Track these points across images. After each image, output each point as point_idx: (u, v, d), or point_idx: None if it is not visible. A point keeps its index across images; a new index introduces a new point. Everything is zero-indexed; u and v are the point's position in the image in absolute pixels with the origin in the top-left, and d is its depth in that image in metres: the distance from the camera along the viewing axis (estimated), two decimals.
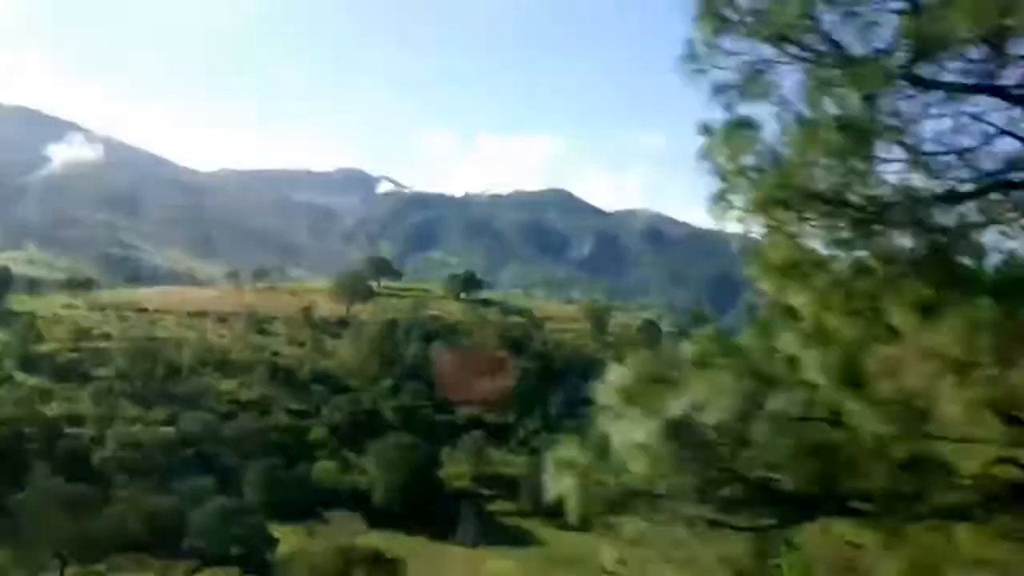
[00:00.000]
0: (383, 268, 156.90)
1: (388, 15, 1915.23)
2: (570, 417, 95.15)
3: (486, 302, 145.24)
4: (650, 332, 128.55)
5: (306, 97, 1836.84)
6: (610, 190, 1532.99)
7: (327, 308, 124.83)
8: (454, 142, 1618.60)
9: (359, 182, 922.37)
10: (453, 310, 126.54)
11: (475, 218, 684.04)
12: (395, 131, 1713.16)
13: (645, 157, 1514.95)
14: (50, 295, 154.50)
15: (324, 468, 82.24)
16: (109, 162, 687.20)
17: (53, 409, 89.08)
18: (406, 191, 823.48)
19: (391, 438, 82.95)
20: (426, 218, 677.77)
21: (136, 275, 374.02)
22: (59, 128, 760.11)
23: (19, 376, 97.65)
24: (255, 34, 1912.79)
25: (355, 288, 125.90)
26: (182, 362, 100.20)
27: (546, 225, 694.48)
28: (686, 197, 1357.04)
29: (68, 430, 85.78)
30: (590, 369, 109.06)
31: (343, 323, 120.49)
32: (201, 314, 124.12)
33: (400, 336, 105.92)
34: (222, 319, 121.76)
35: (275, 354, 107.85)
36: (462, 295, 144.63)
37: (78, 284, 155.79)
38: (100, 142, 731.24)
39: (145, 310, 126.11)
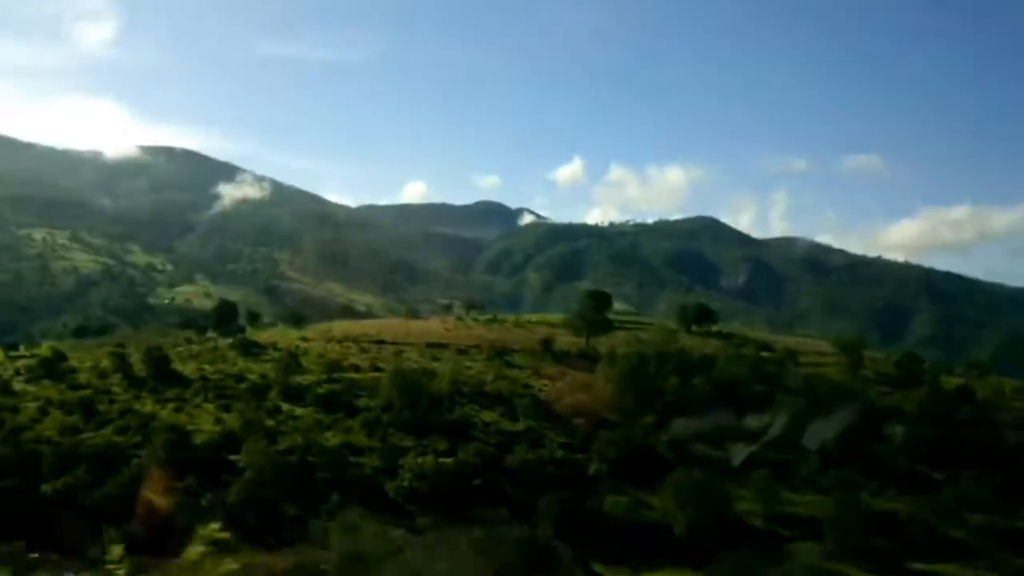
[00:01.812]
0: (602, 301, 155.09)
1: (511, 53, 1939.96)
2: (847, 455, 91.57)
3: (719, 334, 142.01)
4: (910, 368, 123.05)
5: (439, 134, 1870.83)
6: (757, 217, 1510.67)
7: (564, 340, 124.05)
8: (589, 174, 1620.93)
9: (498, 214, 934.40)
10: (693, 343, 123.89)
11: (621, 248, 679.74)
12: (530, 164, 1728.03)
13: (787, 182, 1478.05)
14: (269, 328, 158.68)
15: (616, 502, 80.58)
16: (269, 200, 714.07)
17: (329, 439, 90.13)
18: (548, 222, 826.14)
19: (680, 474, 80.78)
20: (571, 249, 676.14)
21: (306, 308, 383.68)
22: (222, 170, 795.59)
23: (285, 406, 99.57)
24: (386, 73, 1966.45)
25: (594, 320, 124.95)
26: (442, 393, 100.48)
27: (696, 253, 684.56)
28: (833, 223, 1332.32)
29: (351, 459, 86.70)
30: (855, 404, 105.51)
31: (584, 355, 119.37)
32: (440, 346, 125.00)
33: (652, 369, 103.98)
34: (462, 350, 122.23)
35: (526, 386, 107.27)
36: (693, 327, 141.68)
37: (289, 318, 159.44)
38: (264, 182, 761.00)
39: (383, 342, 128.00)
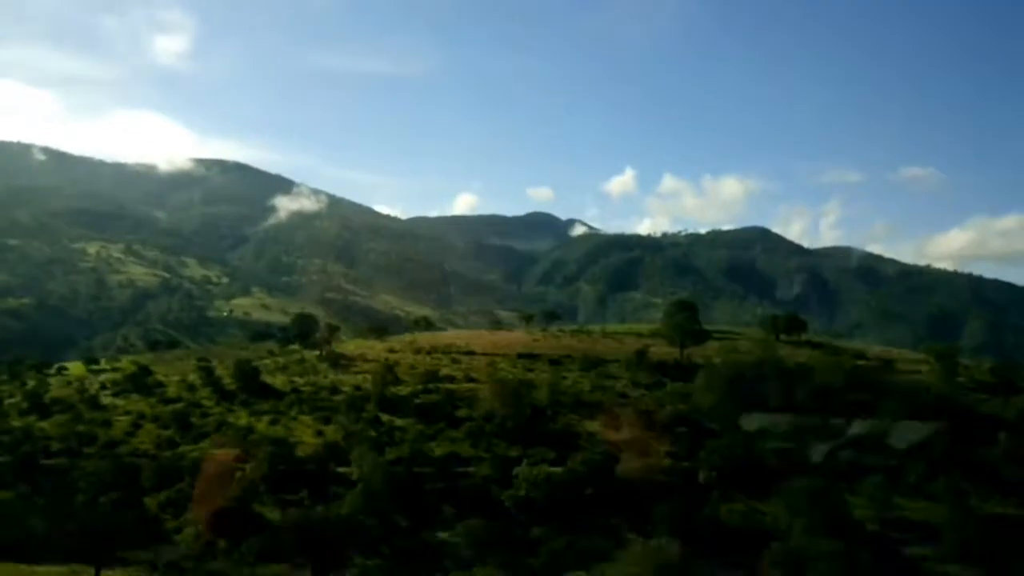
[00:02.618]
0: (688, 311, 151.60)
1: (564, 65, 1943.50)
2: (953, 461, 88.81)
3: (811, 343, 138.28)
4: (1005, 374, 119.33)
5: (491, 145, 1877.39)
6: (807, 226, 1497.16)
7: (657, 351, 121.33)
8: (640, 185, 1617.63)
9: (549, 225, 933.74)
10: (785, 352, 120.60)
11: (674, 258, 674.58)
12: (581, 175, 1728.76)
13: (840, 193, 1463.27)
14: (348, 341, 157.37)
15: (730, 510, 78.12)
16: (321, 213, 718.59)
17: (433, 450, 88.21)
18: (600, 233, 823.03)
19: (795, 481, 78.10)
20: (624, 259, 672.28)
21: (364, 319, 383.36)
22: (272, 183, 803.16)
23: (384, 417, 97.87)
24: (438, 84, 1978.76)
25: (689, 330, 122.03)
26: (542, 403, 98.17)
27: (749, 263, 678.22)
28: (881, 233, 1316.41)
29: (459, 470, 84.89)
30: (954, 412, 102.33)
31: (679, 366, 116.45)
32: (532, 356, 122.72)
33: (752, 378, 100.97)
34: (554, 361, 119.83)
35: (623, 396, 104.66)
36: (782, 336, 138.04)
37: (370, 330, 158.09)
38: (320, 195, 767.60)
39: (473, 353, 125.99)
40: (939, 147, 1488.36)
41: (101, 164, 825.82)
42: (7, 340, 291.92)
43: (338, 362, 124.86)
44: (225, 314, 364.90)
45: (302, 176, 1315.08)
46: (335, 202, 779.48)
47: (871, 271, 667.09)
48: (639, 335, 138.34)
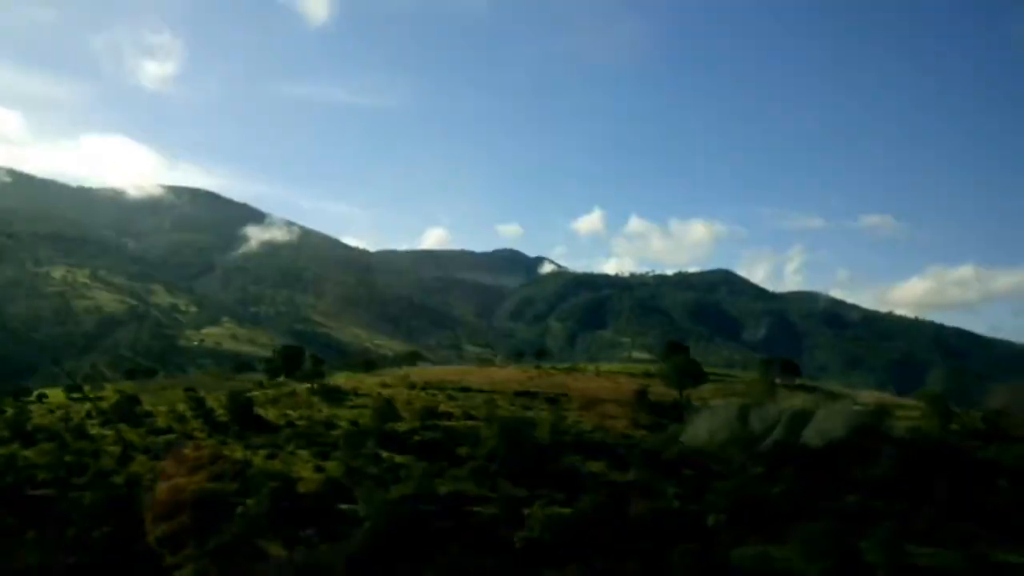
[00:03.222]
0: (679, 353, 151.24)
1: (533, 104, 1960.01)
2: (960, 510, 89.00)
3: (804, 387, 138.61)
4: (997, 422, 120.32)
5: (461, 181, 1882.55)
6: (770, 271, 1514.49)
7: (655, 391, 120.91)
8: (607, 225, 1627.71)
9: (517, 262, 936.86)
10: (781, 396, 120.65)
11: (641, 298, 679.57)
12: (549, 213, 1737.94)
13: (802, 239, 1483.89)
14: (337, 373, 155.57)
15: (743, 554, 77.21)
16: (291, 244, 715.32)
17: (437, 488, 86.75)
18: (568, 271, 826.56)
19: (808, 525, 77.73)
20: (592, 298, 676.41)
21: (333, 353, 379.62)
22: (240, 211, 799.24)
23: (384, 454, 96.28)
24: (409, 119, 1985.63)
25: (688, 371, 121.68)
26: (543, 442, 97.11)
27: (715, 305, 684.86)
28: (843, 279, 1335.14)
29: (465, 508, 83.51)
30: (953, 459, 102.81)
31: (677, 406, 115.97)
32: (529, 394, 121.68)
33: (754, 421, 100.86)
34: (551, 399, 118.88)
35: (626, 436, 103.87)
36: (777, 380, 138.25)
37: (359, 364, 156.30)
38: (292, 226, 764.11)
39: (469, 389, 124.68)
40: (897, 197, 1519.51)
41: (68, 188, 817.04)
42: None
43: (331, 396, 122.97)
44: (196, 343, 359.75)
45: (269, 206, 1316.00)
46: (304, 233, 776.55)
47: (836, 316, 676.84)
48: (631, 375, 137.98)
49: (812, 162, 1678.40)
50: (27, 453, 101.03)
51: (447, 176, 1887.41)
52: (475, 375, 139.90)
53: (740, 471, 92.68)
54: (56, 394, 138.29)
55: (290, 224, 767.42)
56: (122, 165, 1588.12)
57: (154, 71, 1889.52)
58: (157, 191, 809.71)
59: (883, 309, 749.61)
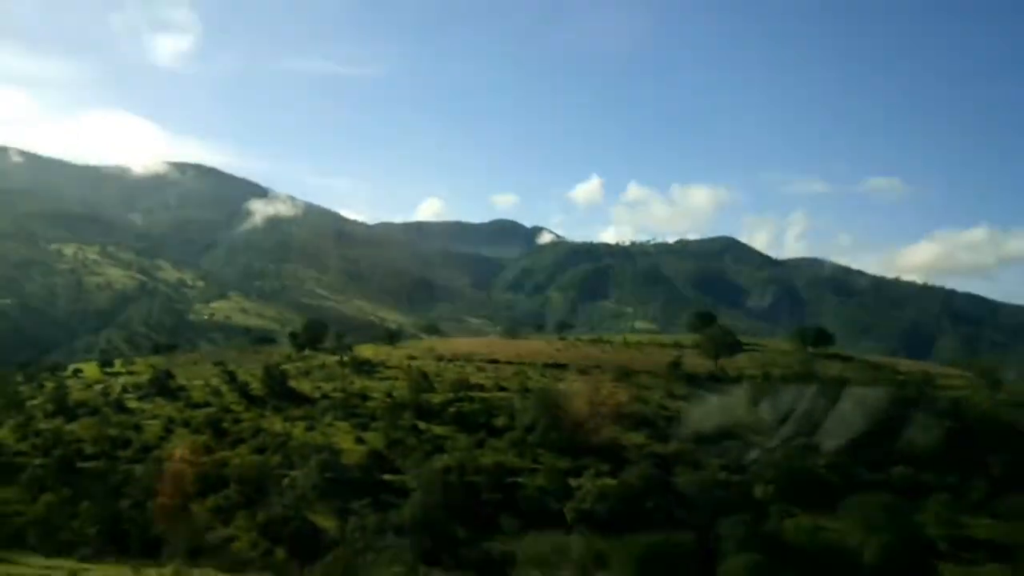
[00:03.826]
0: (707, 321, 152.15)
1: (529, 71, 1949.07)
2: (1015, 482, 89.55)
3: (839, 356, 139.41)
4: None
5: (456, 151, 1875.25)
6: (772, 237, 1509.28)
7: (690, 362, 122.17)
8: (606, 193, 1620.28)
9: (515, 233, 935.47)
10: (818, 366, 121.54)
11: (643, 267, 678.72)
12: (546, 183, 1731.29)
13: (806, 204, 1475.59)
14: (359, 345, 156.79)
15: (797, 526, 78.47)
16: (294, 218, 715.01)
17: (479, 459, 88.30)
18: (567, 241, 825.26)
19: (865, 497, 78.90)
20: (593, 268, 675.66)
21: (340, 326, 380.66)
22: (238, 187, 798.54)
23: (422, 425, 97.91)
24: (402, 88, 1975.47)
25: (724, 341, 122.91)
26: (581, 414, 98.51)
27: (719, 274, 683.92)
28: (848, 244, 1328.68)
29: (509, 480, 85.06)
30: (1005, 430, 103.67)
31: (713, 377, 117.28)
32: (560, 366, 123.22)
33: (793, 392, 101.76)
34: (583, 371, 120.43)
35: (663, 408, 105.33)
36: (809, 349, 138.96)
37: (382, 337, 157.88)
38: (296, 201, 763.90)
39: (497, 361, 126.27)
40: (904, 158, 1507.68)
41: (75, 167, 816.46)
42: None
43: (361, 368, 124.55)
44: (206, 317, 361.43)
45: (268, 181, 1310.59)
46: (306, 207, 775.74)
47: (842, 283, 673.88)
48: (661, 345, 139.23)
49: (815, 125, 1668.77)
50: (71, 427, 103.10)
51: (441, 146, 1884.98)
52: (501, 346, 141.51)
53: (781, 442, 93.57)
54: (91, 368, 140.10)
55: (293, 199, 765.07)
56: (127, 142, 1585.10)
57: (163, 48, 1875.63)
58: (162, 168, 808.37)
59: (890, 275, 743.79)
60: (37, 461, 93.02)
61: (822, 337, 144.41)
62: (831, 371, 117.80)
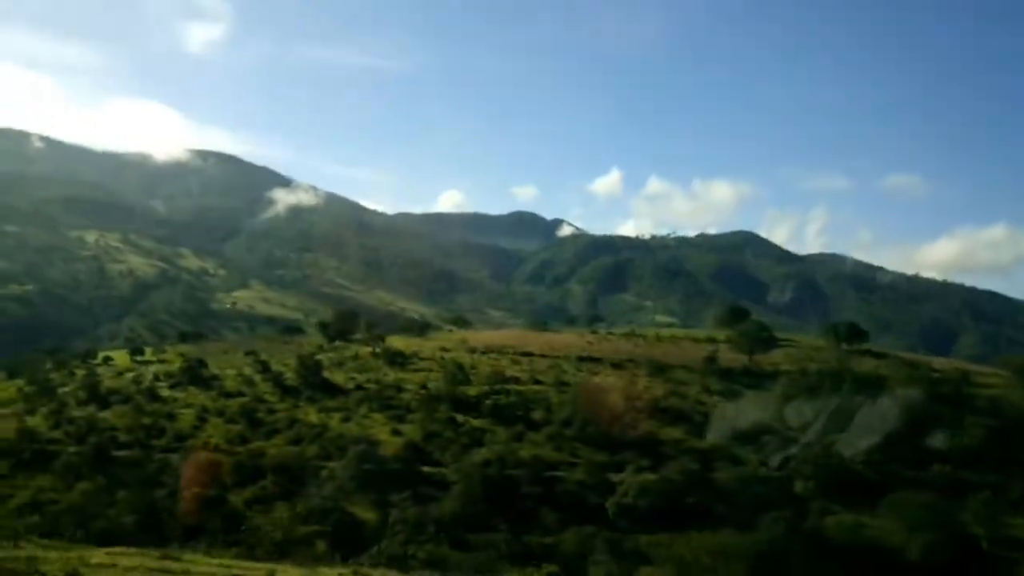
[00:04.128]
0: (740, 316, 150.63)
1: (551, 63, 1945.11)
2: None
3: (872, 353, 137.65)
4: None
5: (477, 143, 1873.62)
6: (792, 232, 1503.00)
7: (724, 357, 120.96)
8: (625, 186, 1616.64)
9: (535, 225, 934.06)
10: (848, 363, 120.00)
11: (663, 261, 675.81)
12: (567, 175, 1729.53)
13: (826, 199, 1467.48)
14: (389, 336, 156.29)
15: (839, 523, 77.46)
16: (314, 208, 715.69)
17: (518, 452, 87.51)
18: (587, 234, 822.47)
19: (908, 495, 77.71)
20: (613, 261, 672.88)
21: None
22: (260, 175, 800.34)
23: (459, 417, 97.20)
24: (425, 81, 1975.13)
25: (758, 337, 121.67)
26: (616, 408, 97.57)
27: (739, 268, 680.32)
28: (867, 240, 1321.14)
29: (549, 474, 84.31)
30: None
31: (748, 372, 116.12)
32: (594, 360, 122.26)
33: (829, 389, 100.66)
34: (616, 365, 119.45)
35: (700, 403, 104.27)
36: (843, 345, 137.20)
37: (410, 327, 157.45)
38: (317, 191, 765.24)
39: (531, 354, 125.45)
40: (925, 156, 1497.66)
41: (96, 153, 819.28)
42: (15, 326, 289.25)
43: (394, 360, 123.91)
44: (228, 306, 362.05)
45: (288, 170, 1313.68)
46: (326, 197, 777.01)
47: (863, 279, 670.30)
48: (695, 340, 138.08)
49: (837, 120, 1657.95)
50: (104, 415, 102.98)
51: (463, 139, 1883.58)
52: (533, 339, 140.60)
53: (819, 439, 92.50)
54: (121, 356, 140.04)
55: (314, 188, 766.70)
56: (150, 130, 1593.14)
57: (191, 36, 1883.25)
58: (183, 155, 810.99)
59: (909, 271, 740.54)
60: (71, 449, 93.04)
61: (855, 333, 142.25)
62: (865, 367, 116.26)
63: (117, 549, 31.87)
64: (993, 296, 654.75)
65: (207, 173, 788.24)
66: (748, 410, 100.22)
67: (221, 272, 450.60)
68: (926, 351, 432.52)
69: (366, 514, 78.37)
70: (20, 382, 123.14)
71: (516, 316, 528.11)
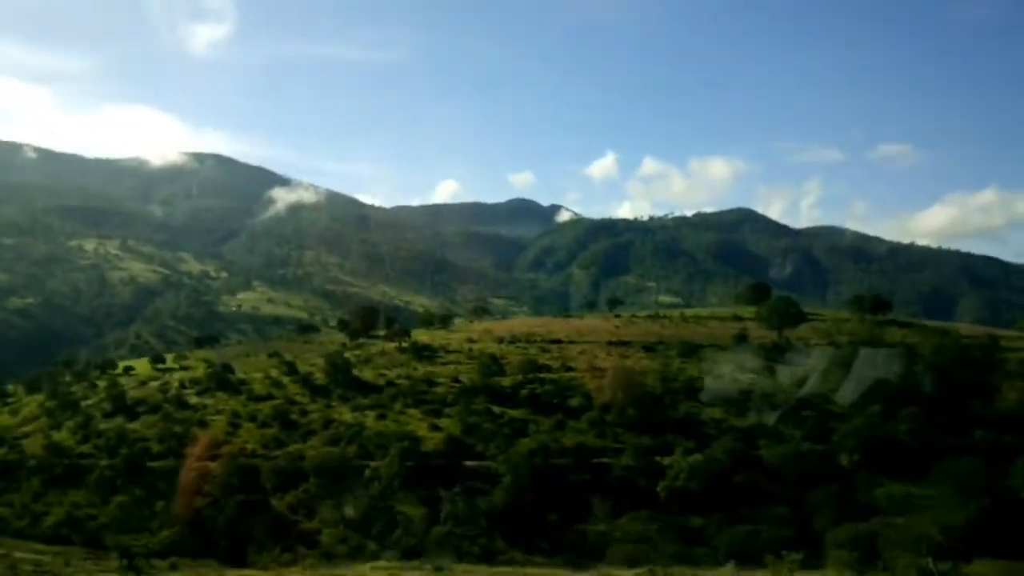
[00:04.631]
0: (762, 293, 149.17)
1: (541, 48, 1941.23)
2: None
3: (897, 322, 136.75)
4: None
5: (470, 131, 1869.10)
6: (787, 206, 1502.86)
7: (753, 333, 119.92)
8: (621, 168, 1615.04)
9: (533, 211, 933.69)
10: (878, 333, 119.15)
11: (663, 241, 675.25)
12: (562, 160, 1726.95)
13: (819, 172, 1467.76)
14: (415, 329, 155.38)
15: (890, 495, 76.52)
16: (314, 204, 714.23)
17: (561, 440, 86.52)
18: (586, 218, 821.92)
19: (955, 463, 76.60)
20: (613, 243, 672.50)
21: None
22: (256, 175, 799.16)
23: (495, 409, 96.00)
24: (415, 71, 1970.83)
25: (786, 312, 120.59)
26: (655, 391, 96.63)
27: (738, 245, 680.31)
28: (860, 211, 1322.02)
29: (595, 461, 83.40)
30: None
31: (778, 347, 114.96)
32: (624, 343, 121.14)
33: (865, 359, 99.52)
34: (648, 347, 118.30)
35: (735, 381, 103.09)
36: (867, 316, 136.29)
37: (430, 319, 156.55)
38: (318, 188, 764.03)
39: (559, 341, 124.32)
40: (915, 124, 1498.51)
41: (91, 160, 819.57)
42: (20, 340, 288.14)
43: (422, 353, 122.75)
44: (234, 309, 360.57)
45: (283, 168, 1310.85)
46: (324, 193, 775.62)
47: (860, 250, 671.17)
48: (720, 319, 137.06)
49: (827, 92, 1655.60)
50: (133, 425, 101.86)
51: (456, 128, 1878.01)
52: (560, 326, 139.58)
53: (860, 410, 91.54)
54: (142, 365, 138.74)
55: (312, 186, 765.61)
56: (145, 135, 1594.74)
57: (182, 39, 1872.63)
58: (179, 158, 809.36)
59: (904, 240, 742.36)
60: (103, 462, 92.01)
61: (879, 304, 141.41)
62: (894, 337, 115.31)
63: (381, 563, 31.32)
64: (988, 260, 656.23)
65: (203, 176, 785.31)
66: (785, 384, 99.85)
67: (223, 275, 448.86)
68: (927, 319, 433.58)
69: (414, 511, 77.34)
70: (40, 397, 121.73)
71: (520, 304, 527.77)
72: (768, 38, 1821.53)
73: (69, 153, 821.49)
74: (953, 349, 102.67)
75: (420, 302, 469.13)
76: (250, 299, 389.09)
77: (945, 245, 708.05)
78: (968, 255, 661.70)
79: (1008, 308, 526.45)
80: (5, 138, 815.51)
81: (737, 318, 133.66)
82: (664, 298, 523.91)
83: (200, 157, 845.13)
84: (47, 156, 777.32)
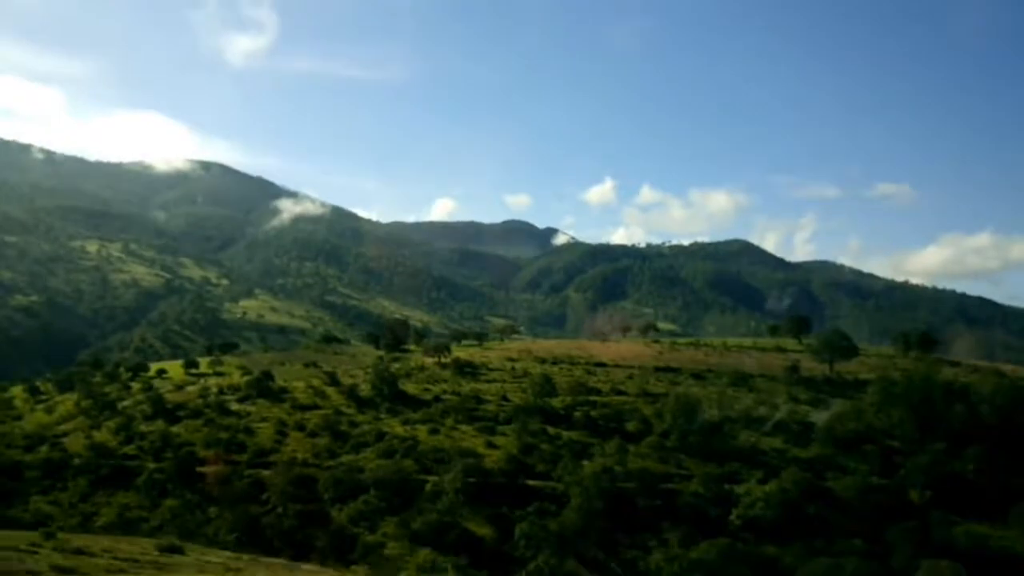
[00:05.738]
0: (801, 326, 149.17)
1: (541, 72, 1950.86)
2: None
3: (945, 360, 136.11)
4: None
5: (469, 151, 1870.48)
6: (781, 240, 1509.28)
7: (804, 365, 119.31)
8: (618, 195, 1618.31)
9: (528, 233, 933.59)
10: (934, 370, 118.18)
11: (660, 269, 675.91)
12: (558, 184, 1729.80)
13: (816, 207, 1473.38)
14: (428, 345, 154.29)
15: (968, 533, 75.88)
16: (311, 217, 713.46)
17: (626, 464, 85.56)
18: (584, 242, 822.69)
19: None
20: (610, 269, 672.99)
21: (368, 324, 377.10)
22: (258, 186, 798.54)
23: (551, 430, 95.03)
24: (417, 90, 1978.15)
25: (839, 345, 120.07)
26: (712, 418, 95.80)
27: (735, 276, 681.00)
28: (855, 248, 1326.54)
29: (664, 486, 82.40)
30: None
31: (829, 381, 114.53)
32: (672, 370, 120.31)
33: (920, 396, 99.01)
34: (697, 375, 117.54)
35: (793, 412, 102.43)
36: (911, 353, 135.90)
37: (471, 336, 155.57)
38: (324, 204, 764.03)
39: (605, 364, 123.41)
40: (914, 165, 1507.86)
41: (96, 164, 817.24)
42: (25, 337, 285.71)
43: (463, 370, 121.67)
44: (239, 316, 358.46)
45: (283, 180, 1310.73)
46: (322, 206, 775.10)
47: (857, 286, 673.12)
48: (763, 350, 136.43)
49: (827, 129, 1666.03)
50: (176, 429, 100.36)
51: (455, 148, 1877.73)
52: (597, 349, 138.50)
53: (920, 446, 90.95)
54: (175, 369, 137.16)
55: (311, 199, 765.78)
56: (150, 141, 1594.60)
57: (176, 50, 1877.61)
58: (182, 165, 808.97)
59: (899, 278, 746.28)
60: (151, 465, 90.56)
61: (926, 341, 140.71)
62: (947, 375, 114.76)
63: None
64: (982, 302, 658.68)
65: (206, 184, 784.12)
66: (846, 417, 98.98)
67: (224, 282, 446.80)
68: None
69: (480, 529, 76.37)
70: (75, 396, 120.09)
71: (518, 324, 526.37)
72: (769, 72, 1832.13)
73: (74, 155, 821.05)
74: (1012, 389, 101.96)
75: (419, 317, 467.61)
76: (253, 307, 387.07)
77: (940, 285, 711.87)
78: (962, 295, 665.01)
79: (1005, 350, 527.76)
80: (15, 139, 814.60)
81: (780, 349, 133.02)
82: (662, 325, 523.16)
83: (206, 165, 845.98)
84: (54, 157, 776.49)
